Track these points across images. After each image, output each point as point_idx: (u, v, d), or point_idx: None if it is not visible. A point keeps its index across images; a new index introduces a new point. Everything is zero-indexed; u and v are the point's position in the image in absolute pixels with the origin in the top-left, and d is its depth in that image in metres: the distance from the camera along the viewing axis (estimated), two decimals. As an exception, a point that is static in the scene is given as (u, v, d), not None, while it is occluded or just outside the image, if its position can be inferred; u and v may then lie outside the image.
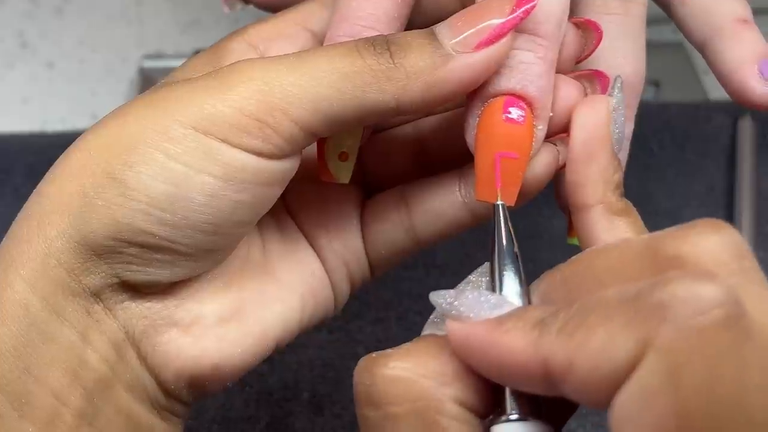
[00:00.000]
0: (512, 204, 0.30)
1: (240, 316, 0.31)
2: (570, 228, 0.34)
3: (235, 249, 0.31)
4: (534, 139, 0.30)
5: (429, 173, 0.33)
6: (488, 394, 0.25)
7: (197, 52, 0.33)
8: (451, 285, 0.50)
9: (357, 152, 0.31)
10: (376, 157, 0.34)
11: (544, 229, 0.52)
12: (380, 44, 0.28)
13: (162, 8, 0.72)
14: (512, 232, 0.28)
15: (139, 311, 0.29)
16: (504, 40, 0.28)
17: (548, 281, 0.26)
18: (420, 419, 0.24)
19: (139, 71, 0.66)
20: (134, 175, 0.27)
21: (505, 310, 0.25)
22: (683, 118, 0.58)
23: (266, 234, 0.33)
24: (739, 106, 0.35)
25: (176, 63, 0.33)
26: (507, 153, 0.29)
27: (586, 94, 0.31)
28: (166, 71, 0.33)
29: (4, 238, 0.29)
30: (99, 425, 0.28)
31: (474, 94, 0.30)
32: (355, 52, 0.28)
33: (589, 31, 0.32)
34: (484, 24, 0.28)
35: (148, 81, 0.64)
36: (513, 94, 0.29)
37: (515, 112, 0.29)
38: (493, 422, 0.24)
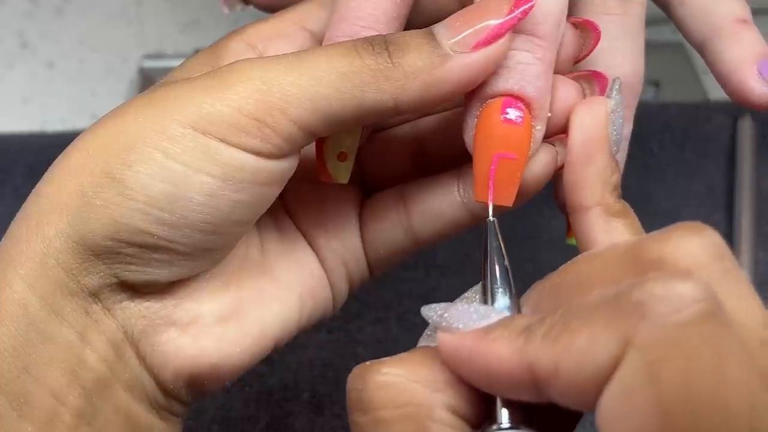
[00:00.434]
0: (510, 204, 0.30)
1: (238, 316, 0.31)
2: (569, 228, 0.34)
3: (233, 248, 0.31)
4: (532, 140, 0.30)
5: (427, 173, 0.33)
6: (480, 403, 0.25)
7: (197, 52, 0.33)
8: (452, 285, 0.50)
9: (356, 152, 0.31)
10: (375, 157, 0.34)
11: (543, 229, 0.52)
12: (378, 44, 0.28)
13: (162, 8, 0.72)
14: (502, 247, 0.28)
15: (137, 311, 0.29)
16: (502, 41, 0.28)
17: (537, 291, 0.26)
18: (410, 424, 0.24)
19: (139, 71, 0.67)
20: (133, 174, 0.27)
21: (493, 319, 0.25)
22: (683, 118, 0.57)
23: (265, 233, 0.33)
24: (739, 106, 0.35)
25: (176, 63, 0.33)
26: (505, 154, 0.29)
27: (584, 95, 0.31)
28: (166, 71, 0.33)
29: (3, 238, 0.29)
30: (98, 425, 0.28)
31: (472, 94, 0.30)
32: (354, 51, 0.28)
33: (587, 32, 0.32)
34: (482, 24, 0.28)
35: (148, 81, 0.64)
36: (511, 95, 0.29)
37: (513, 113, 0.29)
38: (484, 431, 0.24)
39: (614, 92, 0.30)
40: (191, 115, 0.28)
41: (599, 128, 0.29)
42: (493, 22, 0.28)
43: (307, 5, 0.34)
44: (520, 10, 0.28)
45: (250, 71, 0.28)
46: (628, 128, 0.35)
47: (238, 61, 0.29)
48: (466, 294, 0.28)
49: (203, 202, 0.28)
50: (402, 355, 0.26)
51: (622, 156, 0.34)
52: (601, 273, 0.24)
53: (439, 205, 0.33)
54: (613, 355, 0.21)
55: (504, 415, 0.24)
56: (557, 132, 0.31)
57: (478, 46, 0.28)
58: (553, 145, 0.31)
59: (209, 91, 0.28)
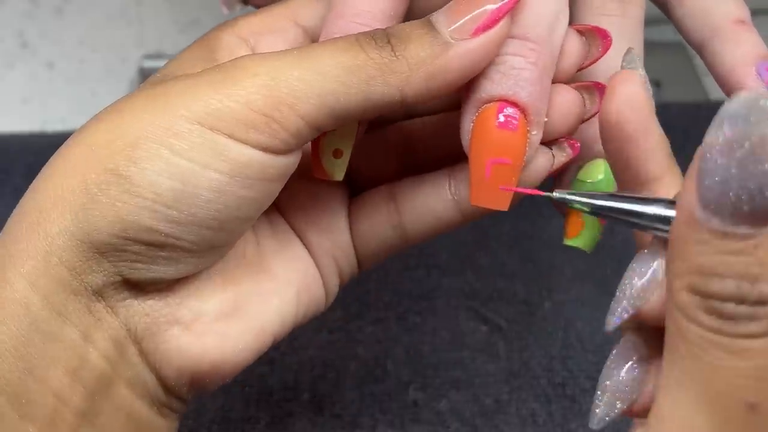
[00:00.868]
0: (506, 209, 0.30)
1: (239, 312, 0.31)
2: (566, 230, 0.34)
3: (235, 244, 0.31)
4: (528, 145, 0.30)
5: (416, 172, 0.33)
6: None
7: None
8: (452, 285, 0.50)
9: (351, 149, 0.31)
10: (365, 155, 0.34)
11: (543, 229, 0.52)
12: (380, 38, 0.28)
13: (162, 8, 0.72)
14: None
15: (141, 309, 0.29)
16: (501, 24, 0.28)
17: None
18: None
19: (139, 71, 0.67)
20: (139, 171, 0.27)
21: None
22: (683, 118, 0.57)
23: (258, 229, 0.33)
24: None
25: (176, 63, 0.33)
26: (500, 159, 0.29)
27: (584, 104, 0.32)
28: (166, 71, 0.32)
29: (0, 236, 0.28)
30: (99, 423, 0.28)
31: (468, 98, 0.30)
32: (357, 46, 0.28)
33: (594, 38, 0.32)
34: (479, 10, 0.28)
35: (148, 81, 0.64)
36: (505, 100, 0.29)
37: (508, 118, 0.29)
38: None
39: (636, 61, 0.28)
40: (198, 110, 0.27)
41: (645, 98, 0.27)
42: (491, 6, 0.28)
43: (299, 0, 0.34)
44: None
45: (256, 67, 0.28)
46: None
47: (242, 56, 0.29)
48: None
49: (211, 199, 0.28)
50: None
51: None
52: None
53: (430, 202, 0.33)
54: None
55: None
56: (556, 137, 0.31)
57: (477, 31, 0.28)
58: (550, 148, 0.31)
59: (215, 86, 0.28)
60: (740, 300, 0.21)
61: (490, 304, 0.48)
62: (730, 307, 0.21)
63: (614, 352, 0.27)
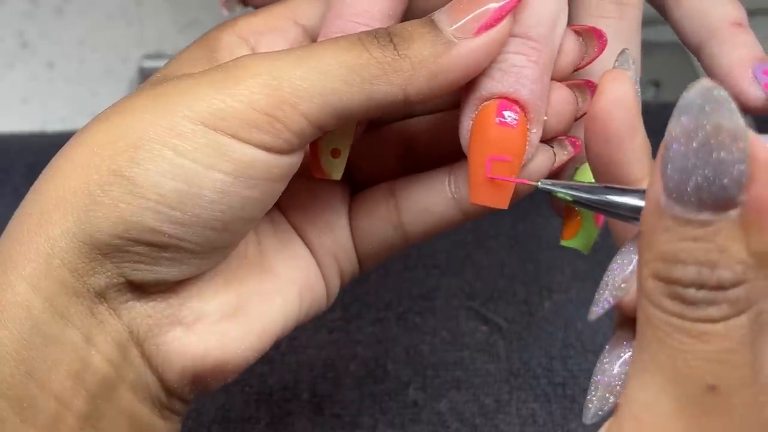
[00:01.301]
0: (505, 207, 0.30)
1: (242, 312, 0.31)
2: (563, 231, 0.34)
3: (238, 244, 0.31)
4: (528, 143, 0.30)
5: (416, 171, 0.33)
6: None
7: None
8: (452, 285, 0.50)
9: (349, 149, 0.31)
10: (365, 154, 0.35)
11: (543, 229, 0.52)
12: (383, 36, 0.28)
13: (161, 8, 0.72)
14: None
15: (143, 310, 0.29)
16: (503, 23, 0.28)
17: None
18: None
19: (139, 71, 0.67)
20: (142, 172, 0.27)
21: None
22: (683, 118, 0.57)
23: (260, 229, 0.33)
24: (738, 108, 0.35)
25: (176, 63, 0.33)
26: (500, 156, 0.29)
27: (577, 103, 0.32)
28: (166, 72, 0.32)
29: (1, 238, 0.28)
30: (102, 427, 0.28)
31: (468, 97, 0.30)
32: (360, 45, 0.28)
33: (590, 39, 0.32)
34: (482, 9, 0.28)
35: (148, 81, 0.64)
36: (506, 98, 0.29)
37: (508, 116, 0.29)
38: None
39: (630, 62, 0.28)
40: (201, 111, 0.27)
41: (633, 99, 0.27)
42: (493, 5, 0.28)
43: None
44: None
45: (257, 66, 0.28)
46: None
47: (243, 56, 0.29)
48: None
49: (215, 200, 0.28)
50: None
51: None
52: None
53: (430, 200, 0.33)
54: None
55: None
56: (555, 136, 0.31)
57: (479, 30, 0.28)
58: (551, 146, 0.31)
59: (217, 86, 0.28)
60: (700, 285, 0.22)
61: (490, 304, 0.48)
62: (691, 292, 0.22)
63: (607, 347, 0.27)
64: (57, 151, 0.29)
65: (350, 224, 0.34)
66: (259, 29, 0.33)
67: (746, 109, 0.34)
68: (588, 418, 0.26)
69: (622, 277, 0.26)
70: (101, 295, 0.28)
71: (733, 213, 0.21)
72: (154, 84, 0.30)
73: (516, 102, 0.29)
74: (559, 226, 0.34)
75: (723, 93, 0.21)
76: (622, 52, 0.28)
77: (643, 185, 0.26)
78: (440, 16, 0.29)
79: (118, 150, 0.27)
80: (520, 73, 0.29)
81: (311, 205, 0.34)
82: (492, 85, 0.29)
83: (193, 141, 0.27)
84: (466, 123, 0.30)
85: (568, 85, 0.32)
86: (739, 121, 0.21)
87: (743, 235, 0.21)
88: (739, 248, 0.21)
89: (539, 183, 0.28)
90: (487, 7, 0.28)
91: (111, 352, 0.28)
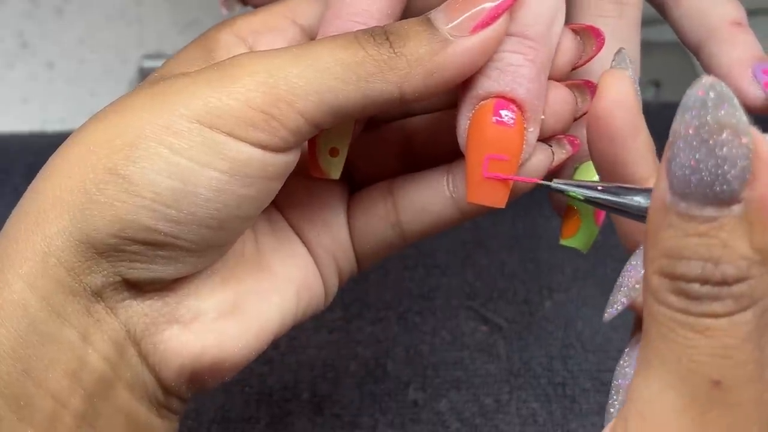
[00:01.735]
0: (503, 206, 0.30)
1: (239, 311, 0.31)
2: (562, 230, 0.34)
3: (234, 244, 0.31)
4: (525, 142, 0.30)
5: (415, 170, 0.33)
6: None
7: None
8: (452, 285, 0.50)
9: (348, 148, 0.31)
10: (364, 153, 0.35)
11: (543, 229, 0.52)
12: (379, 35, 0.28)
13: (161, 8, 0.72)
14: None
15: (140, 309, 0.29)
16: (499, 22, 0.29)
17: None
18: None
19: (138, 71, 0.67)
20: (138, 170, 0.27)
21: None
22: (683, 118, 0.57)
23: (257, 228, 0.33)
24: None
25: (176, 63, 0.33)
26: (497, 155, 0.29)
27: (576, 103, 0.32)
28: (166, 71, 0.32)
29: None
30: (99, 426, 0.28)
31: (465, 96, 0.30)
32: (356, 43, 0.28)
33: (588, 37, 0.32)
34: (478, 8, 0.29)
35: (147, 81, 0.64)
36: (503, 97, 0.29)
37: (505, 115, 0.29)
38: None
39: (627, 61, 0.28)
40: (197, 109, 0.27)
41: (634, 98, 0.27)
42: (488, 4, 0.29)
43: None
44: None
45: (253, 65, 0.28)
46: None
47: (239, 55, 0.29)
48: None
49: (210, 198, 0.28)
50: None
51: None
52: None
53: (428, 199, 0.33)
54: None
55: None
56: (552, 135, 0.31)
57: (475, 29, 0.28)
58: (550, 145, 0.31)
59: (213, 84, 0.28)
60: (704, 281, 0.22)
61: (490, 304, 0.48)
62: (695, 287, 0.22)
63: (626, 350, 0.27)
64: (56, 150, 0.29)
65: (348, 223, 0.34)
66: (257, 28, 0.33)
67: (746, 109, 0.34)
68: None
69: (636, 278, 0.26)
70: (98, 294, 0.28)
71: (737, 209, 0.21)
72: (151, 83, 0.30)
73: (513, 101, 0.29)
74: (559, 225, 0.34)
75: (726, 89, 0.21)
76: (619, 51, 0.28)
77: (650, 184, 0.26)
78: (437, 15, 0.29)
79: (114, 148, 0.27)
80: (517, 71, 0.29)
81: (309, 204, 0.34)
82: (489, 84, 0.29)
83: (188, 139, 0.27)
84: (463, 122, 0.30)
85: (567, 85, 0.32)
86: (743, 117, 0.21)
87: (747, 232, 0.21)
88: (742, 244, 0.21)
89: (553, 182, 0.28)
90: (482, 6, 0.29)
91: (108, 351, 0.28)
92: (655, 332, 0.23)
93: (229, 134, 0.27)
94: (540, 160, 0.31)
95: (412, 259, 0.51)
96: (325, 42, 0.28)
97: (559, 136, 0.32)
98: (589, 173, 0.33)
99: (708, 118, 0.21)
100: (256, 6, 0.38)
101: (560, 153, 0.32)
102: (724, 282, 0.22)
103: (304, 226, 0.34)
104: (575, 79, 0.32)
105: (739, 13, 0.35)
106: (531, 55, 0.29)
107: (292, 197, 0.34)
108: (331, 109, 0.28)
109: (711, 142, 0.21)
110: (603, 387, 0.44)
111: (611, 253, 0.43)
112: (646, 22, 0.35)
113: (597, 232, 0.33)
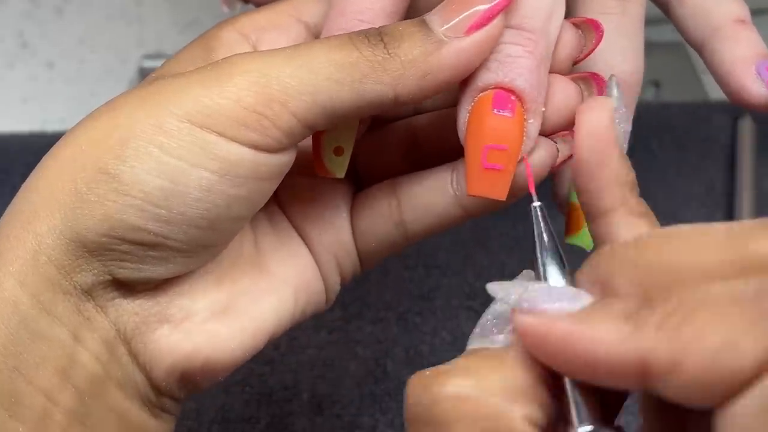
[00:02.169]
0: (503, 198, 0.30)
1: (233, 311, 0.31)
2: (567, 227, 0.34)
3: (229, 244, 0.31)
4: (525, 134, 0.30)
5: (419, 169, 0.33)
6: (552, 408, 0.24)
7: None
8: (452, 285, 0.50)
9: (352, 147, 0.31)
10: (368, 152, 0.34)
11: (544, 229, 0.52)
12: (373, 36, 0.28)
13: (161, 8, 0.72)
14: (551, 229, 0.27)
15: (130, 308, 0.29)
16: (494, 23, 0.29)
17: (593, 268, 0.24)
18: None
19: (138, 71, 0.67)
20: (128, 169, 0.27)
21: (585, 302, 0.23)
22: (683, 118, 0.57)
23: (258, 227, 0.33)
24: (738, 107, 0.35)
25: (176, 63, 0.33)
26: (496, 145, 0.29)
27: (582, 96, 0.32)
28: (166, 71, 0.32)
29: None
30: (90, 424, 0.28)
31: (465, 88, 0.30)
32: (350, 44, 0.28)
33: (588, 30, 0.32)
34: (473, 9, 0.28)
35: (148, 81, 0.64)
36: (502, 88, 0.29)
37: (504, 105, 0.29)
38: None
39: (615, 90, 0.30)
40: (188, 108, 0.27)
41: (606, 129, 0.27)
42: (483, 6, 0.28)
43: None
44: None
45: (247, 64, 0.28)
46: (627, 128, 0.35)
47: (233, 55, 0.29)
48: (517, 279, 0.27)
49: (200, 198, 0.28)
50: (464, 362, 0.24)
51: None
52: (700, 261, 0.22)
53: (432, 198, 0.32)
54: (759, 360, 0.19)
55: (583, 417, 0.23)
56: (557, 130, 0.31)
57: (470, 30, 0.28)
58: (555, 141, 0.31)
59: (206, 84, 0.28)
60: None
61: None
62: None
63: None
64: (56, 151, 0.29)
65: (351, 222, 0.34)
66: (261, 25, 0.33)
67: (749, 107, 0.34)
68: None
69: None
70: (88, 293, 0.28)
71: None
72: (146, 83, 0.30)
73: (512, 91, 0.29)
74: (561, 226, 0.34)
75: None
76: (610, 78, 0.29)
77: (613, 216, 0.26)
78: (432, 17, 0.29)
79: (105, 147, 0.27)
80: (516, 62, 0.29)
81: (313, 204, 0.34)
82: (488, 75, 0.29)
83: (179, 139, 0.27)
84: (463, 115, 0.30)
85: (572, 78, 0.31)
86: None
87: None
88: None
89: (534, 204, 0.28)
90: (477, 7, 0.29)
91: (98, 350, 0.28)
92: None
93: (220, 134, 0.27)
94: (544, 155, 0.31)
95: (412, 259, 0.51)
96: (320, 43, 0.28)
97: (564, 133, 0.32)
98: None
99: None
100: (257, 5, 0.38)
101: (565, 150, 0.32)
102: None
103: (307, 225, 0.34)
104: (579, 72, 0.32)
105: (742, 10, 0.35)
106: (530, 47, 0.29)
107: (296, 197, 0.33)
108: (325, 110, 0.28)
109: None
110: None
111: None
112: (646, 22, 0.35)
113: None
